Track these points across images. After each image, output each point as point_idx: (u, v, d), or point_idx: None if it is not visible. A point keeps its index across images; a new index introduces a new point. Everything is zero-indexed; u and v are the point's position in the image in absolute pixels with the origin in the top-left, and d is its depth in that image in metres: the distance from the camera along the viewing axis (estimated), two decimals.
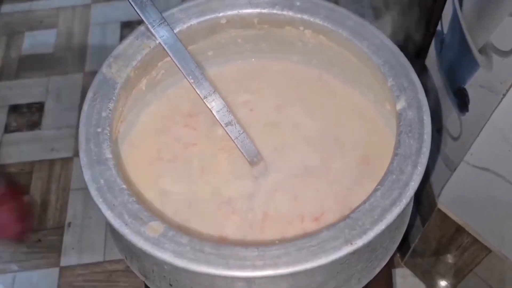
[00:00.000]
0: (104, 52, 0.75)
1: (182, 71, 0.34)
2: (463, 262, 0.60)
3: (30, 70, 0.89)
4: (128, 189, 0.29)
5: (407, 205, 0.28)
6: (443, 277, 0.67)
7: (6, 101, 0.86)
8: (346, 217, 0.27)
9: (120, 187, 0.29)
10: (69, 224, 0.74)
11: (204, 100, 0.34)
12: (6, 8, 0.98)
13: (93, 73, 0.35)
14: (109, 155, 0.30)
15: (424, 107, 0.31)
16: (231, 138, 0.34)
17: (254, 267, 0.26)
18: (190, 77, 0.34)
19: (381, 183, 0.28)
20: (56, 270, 0.70)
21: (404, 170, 0.29)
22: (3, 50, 0.93)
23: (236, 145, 0.35)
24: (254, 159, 0.35)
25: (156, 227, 0.27)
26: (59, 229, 0.74)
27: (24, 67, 0.90)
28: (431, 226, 0.59)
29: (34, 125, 0.83)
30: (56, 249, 0.72)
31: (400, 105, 0.31)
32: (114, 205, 0.28)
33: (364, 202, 0.28)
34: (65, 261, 0.71)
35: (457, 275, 0.64)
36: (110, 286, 0.68)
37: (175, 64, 0.34)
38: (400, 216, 0.28)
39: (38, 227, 0.74)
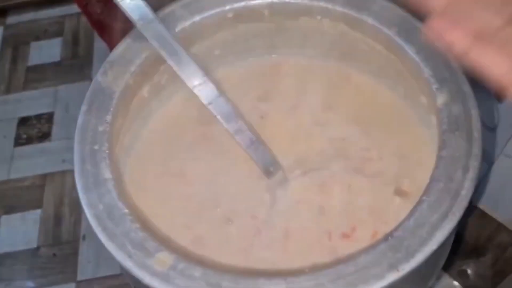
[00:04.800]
0: None
1: (180, 75, 0.30)
2: (504, 262, 0.56)
3: (37, 81, 0.89)
4: (130, 214, 0.25)
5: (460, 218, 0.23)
6: (482, 277, 0.62)
7: (14, 113, 0.85)
8: (388, 236, 0.23)
9: (122, 212, 0.25)
10: (84, 237, 0.73)
11: (209, 106, 0.30)
12: (12, 19, 0.98)
13: None
14: (108, 176, 0.27)
15: (471, 100, 0.27)
16: (242, 147, 0.30)
17: None
18: (191, 81, 0.30)
19: (426, 193, 0.24)
20: (72, 286, 0.69)
21: (453, 176, 0.24)
22: (9, 62, 0.92)
23: (248, 154, 0.31)
24: (270, 168, 0.31)
25: (164, 258, 0.23)
26: (74, 242, 0.72)
27: (31, 78, 0.89)
28: (468, 224, 0.55)
29: (44, 136, 0.82)
30: (72, 263, 0.70)
31: (441, 99, 0.27)
32: (115, 234, 0.24)
33: (408, 217, 0.23)
34: (81, 275, 0.69)
35: (497, 275, 0.59)
36: None
37: (172, 67, 0.30)
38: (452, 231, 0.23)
39: (52, 241, 0.72)
